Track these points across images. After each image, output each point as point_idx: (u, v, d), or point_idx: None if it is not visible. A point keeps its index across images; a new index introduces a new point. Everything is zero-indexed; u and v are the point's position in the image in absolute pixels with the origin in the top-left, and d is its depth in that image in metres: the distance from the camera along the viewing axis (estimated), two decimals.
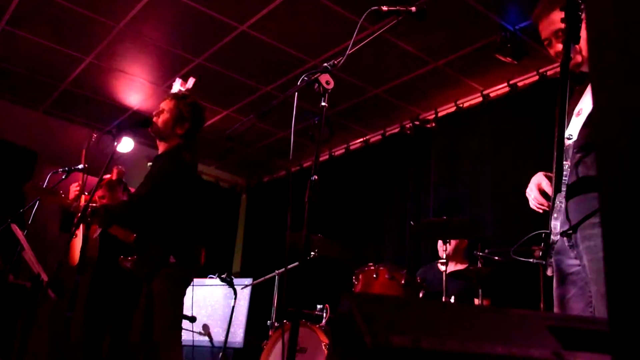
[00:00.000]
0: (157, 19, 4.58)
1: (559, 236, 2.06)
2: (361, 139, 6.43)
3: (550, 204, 2.18)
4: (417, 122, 5.85)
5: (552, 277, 2.16)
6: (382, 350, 0.84)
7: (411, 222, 4.50)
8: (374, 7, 2.27)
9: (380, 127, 6.17)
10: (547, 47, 2.32)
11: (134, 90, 5.76)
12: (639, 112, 0.69)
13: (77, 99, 6.01)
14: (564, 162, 2.10)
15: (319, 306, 4.14)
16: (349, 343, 0.94)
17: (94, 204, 3.62)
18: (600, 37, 0.73)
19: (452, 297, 3.89)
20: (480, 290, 3.72)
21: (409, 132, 5.92)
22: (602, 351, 0.89)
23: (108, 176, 4.28)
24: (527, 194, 2.33)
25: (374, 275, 3.84)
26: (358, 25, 2.24)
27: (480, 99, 5.28)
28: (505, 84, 5.06)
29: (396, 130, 6.06)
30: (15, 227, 3.82)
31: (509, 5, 4.13)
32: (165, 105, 3.34)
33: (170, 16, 4.54)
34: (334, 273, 5.31)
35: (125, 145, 5.83)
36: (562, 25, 2.14)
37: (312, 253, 4.32)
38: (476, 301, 4.04)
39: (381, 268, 3.86)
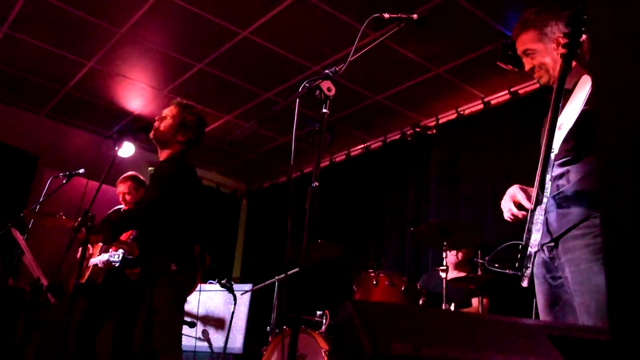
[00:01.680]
0: (158, 24, 4.59)
1: (536, 248, 2.08)
2: (362, 145, 6.43)
3: (525, 215, 2.23)
4: (417, 129, 5.85)
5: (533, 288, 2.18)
6: (383, 358, 0.83)
7: (411, 228, 4.50)
8: (375, 15, 2.27)
9: (381, 133, 6.17)
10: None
11: (136, 95, 5.77)
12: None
13: (79, 104, 6.02)
14: None
15: (318, 312, 4.13)
16: (349, 350, 0.94)
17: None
18: (602, 42, 0.74)
19: (452, 305, 3.88)
20: (480, 298, 3.71)
21: (409, 138, 5.92)
22: None
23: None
24: (501, 206, 2.38)
25: (374, 282, 3.83)
26: (360, 32, 2.25)
27: (481, 106, 5.28)
28: (506, 91, 5.07)
29: (397, 136, 6.07)
30: (15, 232, 3.82)
31: (510, 12, 4.13)
32: (169, 111, 3.35)
33: (172, 21, 4.55)
34: (334, 279, 5.31)
35: (126, 150, 5.84)
36: (527, 46, 2.31)
37: (312, 259, 4.32)
38: (474, 302, 4.04)
39: (381, 274, 3.86)
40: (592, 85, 0.79)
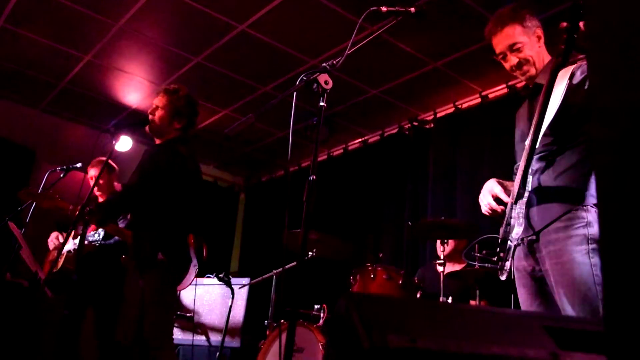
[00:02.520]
0: (156, 17, 4.58)
1: (515, 242, 2.10)
2: (359, 139, 6.43)
3: (503, 209, 2.25)
4: (415, 123, 5.82)
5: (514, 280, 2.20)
6: (379, 350, 0.84)
7: (409, 223, 4.50)
8: (373, 8, 2.27)
9: (378, 127, 6.17)
10: (501, 60, 2.41)
11: (133, 88, 5.76)
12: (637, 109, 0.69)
13: (76, 98, 6.00)
14: None
15: (316, 306, 4.14)
16: (345, 343, 0.94)
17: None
18: (601, 38, 0.74)
19: (450, 298, 3.89)
20: (477, 291, 3.72)
21: (407, 132, 5.90)
22: (598, 351, 0.89)
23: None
24: (479, 200, 2.39)
25: (372, 276, 3.84)
26: (357, 26, 2.24)
27: (479, 100, 5.28)
28: (504, 85, 5.06)
29: (395, 130, 6.06)
30: (12, 226, 3.82)
31: (507, 6, 4.12)
32: (159, 101, 3.32)
33: (169, 15, 4.53)
34: (332, 273, 5.32)
35: (124, 144, 5.82)
36: (515, 40, 2.29)
37: (310, 253, 4.32)
38: (472, 302, 4.05)
39: (379, 268, 3.86)
40: (589, 78, 0.79)
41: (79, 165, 4.23)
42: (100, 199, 4.36)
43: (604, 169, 0.70)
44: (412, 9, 2.27)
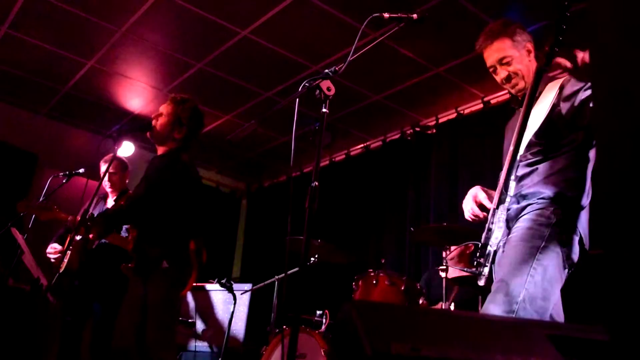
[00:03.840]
0: (158, 23, 4.59)
1: (495, 247, 2.11)
2: (362, 145, 6.43)
3: (486, 215, 2.27)
4: (417, 128, 5.85)
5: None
6: (382, 357, 0.83)
7: (411, 228, 4.50)
8: (375, 14, 2.27)
9: (380, 133, 6.17)
10: (492, 74, 2.45)
11: (135, 94, 5.77)
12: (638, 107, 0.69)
13: (79, 103, 6.02)
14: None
15: (318, 312, 4.13)
16: (348, 350, 0.94)
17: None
18: (603, 40, 0.74)
19: (452, 305, 3.88)
20: (480, 297, 3.71)
21: (409, 138, 5.92)
22: None
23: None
24: (463, 206, 2.42)
25: (374, 282, 3.83)
26: (359, 32, 2.24)
27: (481, 105, 5.28)
28: (506, 91, 5.05)
29: (397, 136, 6.07)
30: (15, 231, 3.82)
31: (509, 12, 4.13)
32: (164, 109, 3.33)
33: (172, 21, 4.55)
34: (334, 279, 5.31)
35: (126, 149, 5.83)
36: (505, 53, 2.33)
37: (312, 259, 4.32)
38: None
39: (381, 274, 3.85)
40: (592, 86, 0.79)
41: (81, 170, 4.23)
42: (112, 195, 4.33)
43: (608, 167, 0.70)
44: (415, 15, 2.27)
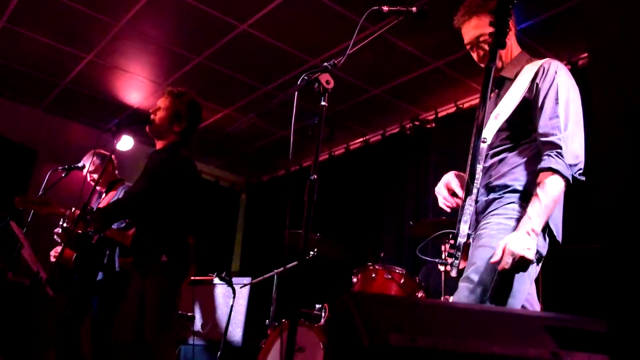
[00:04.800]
0: (157, 17, 4.58)
1: (464, 239, 2.08)
2: (361, 139, 6.43)
3: (458, 202, 2.23)
4: (417, 122, 5.84)
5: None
6: (380, 348, 0.84)
7: (410, 222, 4.50)
8: (374, 7, 2.27)
9: (380, 127, 6.17)
10: (469, 51, 2.37)
11: (135, 88, 5.76)
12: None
13: (78, 97, 6.01)
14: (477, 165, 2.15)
15: (317, 305, 4.14)
16: (346, 342, 0.95)
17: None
18: (600, 36, 0.74)
19: (451, 297, 3.89)
20: None
21: (408, 132, 5.92)
22: (599, 351, 0.89)
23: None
24: (436, 192, 2.39)
25: (373, 275, 3.84)
26: (359, 25, 2.24)
27: None
28: None
29: (396, 130, 6.06)
30: (14, 225, 3.82)
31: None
32: (162, 103, 3.33)
33: (171, 14, 4.54)
34: (333, 273, 5.31)
35: (125, 143, 5.83)
36: (483, 31, 2.24)
37: (311, 252, 4.33)
38: None
39: (380, 268, 3.86)
40: (592, 84, 0.80)
41: (80, 164, 4.23)
42: (101, 190, 4.28)
43: (607, 165, 0.70)
44: (414, 9, 2.27)
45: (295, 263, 3.80)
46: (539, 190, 1.98)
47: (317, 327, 3.78)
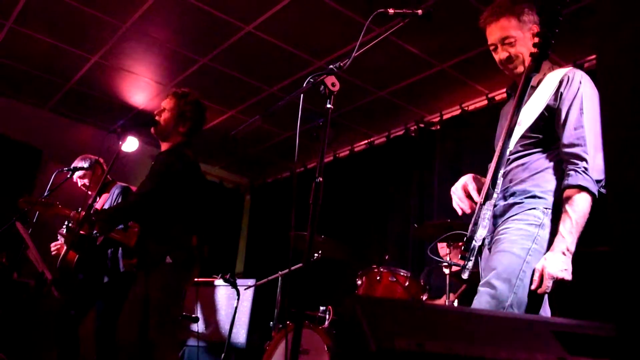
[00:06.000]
0: (163, 18, 4.59)
1: (479, 242, 2.08)
2: (366, 141, 6.43)
3: (473, 206, 2.24)
4: (422, 125, 5.84)
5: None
6: (386, 353, 0.83)
7: (415, 225, 4.50)
8: (380, 10, 2.27)
9: (384, 129, 6.17)
10: (492, 52, 2.37)
11: (140, 89, 5.78)
12: None
13: (83, 98, 6.03)
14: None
15: (322, 308, 4.14)
16: (352, 345, 0.94)
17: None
18: (608, 39, 0.73)
19: (456, 301, 3.88)
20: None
21: (413, 134, 5.92)
22: (607, 357, 0.89)
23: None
24: (452, 192, 2.39)
25: (377, 277, 3.84)
26: (364, 28, 2.24)
27: (486, 102, 5.27)
28: None
29: (401, 132, 6.06)
30: (20, 226, 3.83)
31: None
32: (166, 104, 3.33)
33: (176, 16, 4.54)
34: (337, 275, 5.31)
35: (130, 144, 5.84)
36: (508, 33, 2.24)
37: (316, 255, 4.32)
38: None
39: (384, 270, 3.86)
40: (599, 89, 0.79)
41: (85, 165, 4.24)
42: (90, 192, 4.26)
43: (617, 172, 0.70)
44: (419, 11, 2.26)
45: (299, 265, 3.81)
46: (568, 207, 2.00)
47: (321, 330, 3.78)
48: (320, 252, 4.32)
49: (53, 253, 3.99)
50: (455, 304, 3.87)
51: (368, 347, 0.83)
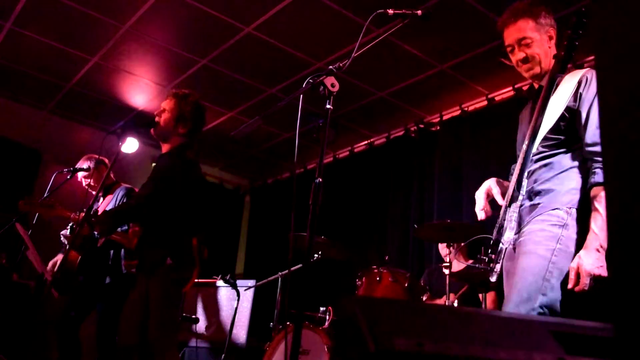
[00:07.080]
0: (162, 20, 4.59)
1: (507, 245, 2.10)
2: (366, 142, 6.43)
3: (495, 213, 2.26)
4: (421, 125, 5.84)
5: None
6: (385, 353, 0.83)
7: (415, 225, 4.50)
8: (380, 10, 2.27)
9: (385, 129, 6.17)
10: (509, 53, 2.40)
11: (139, 90, 5.78)
12: None
13: (83, 99, 6.03)
14: None
15: (322, 308, 4.14)
16: (351, 346, 0.94)
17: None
18: (606, 38, 0.74)
19: (456, 301, 3.88)
20: (484, 292, 3.71)
21: (413, 135, 5.92)
22: (606, 357, 0.89)
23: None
24: (475, 196, 2.40)
25: (377, 278, 3.84)
26: (364, 28, 2.24)
27: (486, 102, 5.27)
28: (511, 88, 5.05)
29: (401, 133, 6.06)
30: (19, 227, 3.83)
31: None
32: (166, 104, 3.32)
33: (176, 17, 4.55)
34: (337, 275, 5.31)
35: (130, 145, 5.84)
36: (526, 34, 2.28)
37: (316, 255, 4.32)
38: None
39: (384, 271, 3.86)
40: (598, 88, 0.79)
41: (85, 166, 4.24)
42: (92, 192, 4.27)
43: (615, 169, 0.70)
44: (419, 12, 2.26)
45: (299, 266, 3.81)
46: (597, 205, 2.02)
47: (321, 330, 3.78)
48: (320, 252, 4.32)
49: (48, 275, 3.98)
50: (455, 304, 3.87)
51: (367, 347, 0.83)
